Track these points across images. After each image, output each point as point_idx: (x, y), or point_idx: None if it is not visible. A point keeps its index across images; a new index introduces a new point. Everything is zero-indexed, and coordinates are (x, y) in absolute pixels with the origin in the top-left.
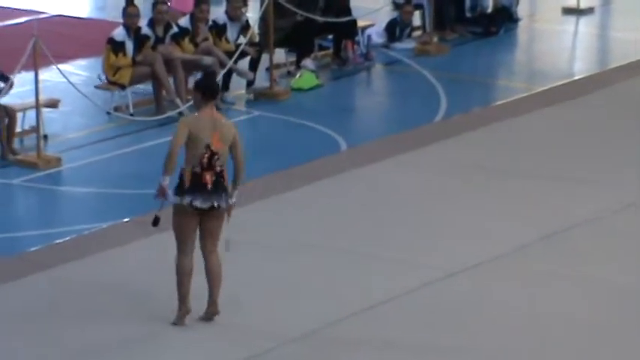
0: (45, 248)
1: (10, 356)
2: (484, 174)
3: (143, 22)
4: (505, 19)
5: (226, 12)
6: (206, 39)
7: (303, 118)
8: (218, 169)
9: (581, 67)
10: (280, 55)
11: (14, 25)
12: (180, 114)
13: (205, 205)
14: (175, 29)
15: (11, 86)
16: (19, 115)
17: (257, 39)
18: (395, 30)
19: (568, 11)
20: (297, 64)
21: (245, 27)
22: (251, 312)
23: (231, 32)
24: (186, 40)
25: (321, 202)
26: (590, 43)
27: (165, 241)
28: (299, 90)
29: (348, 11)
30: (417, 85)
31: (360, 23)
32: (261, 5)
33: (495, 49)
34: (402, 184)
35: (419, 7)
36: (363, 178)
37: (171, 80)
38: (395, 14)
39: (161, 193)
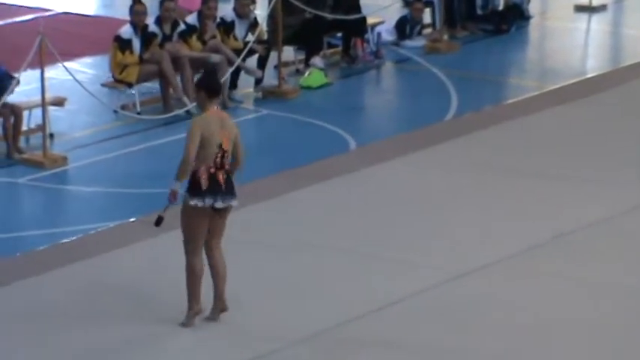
0: (50, 248)
1: (14, 356)
2: (495, 173)
3: (150, 20)
4: (516, 16)
5: (234, 9)
6: (214, 36)
7: (312, 116)
8: (227, 167)
9: (594, 65)
10: (289, 52)
11: (20, 23)
12: (188, 112)
13: (224, 205)
14: (183, 27)
15: (17, 84)
16: (25, 114)
17: (265, 36)
18: (405, 27)
19: (580, 8)
20: (306, 62)
21: (253, 24)
22: (256, 313)
23: (239, 30)
24: (194, 37)
25: (330, 201)
26: (602, 41)
27: (172, 240)
28: (308, 88)
29: (357, 8)
30: (428, 84)
31: (370, 20)
32: (270, 2)
33: (506, 47)
34: (411, 183)
35: (429, 4)
36: (372, 178)
37: (178, 78)
38: (405, 11)
39: (173, 198)
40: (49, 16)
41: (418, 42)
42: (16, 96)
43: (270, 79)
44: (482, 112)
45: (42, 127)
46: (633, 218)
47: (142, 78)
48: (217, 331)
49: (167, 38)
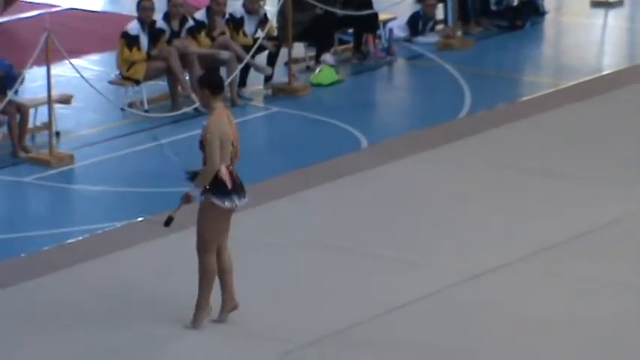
0: (57, 248)
1: (19, 357)
2: (509, 172)
3: (158, 16)
4: (531, 12)
5: (244, 5)
6: (223, 33)
7: (323, 114)
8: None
9: (610, 62)
10: (299, 49)
11: (26, 19)
12: (196, 110)
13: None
14: (191, 23)
15: (22, 82)
16: (31, 112)
17: (275, 33)
18: (417, 23)
19: (596, 4)
20: (317, 59)
21: (263, 20)
22: (266, 313)
23: (248, 26)
24: (203, 34)
25: (341, 200)
26: (619, 37)
27: (180, 241)
28: (318, 85)
29: (369, 4)
30: (441, 81)
31: (382, 16)
32: None
33: (521, 43)
34: (424, 182)
35: (442, 0)
36: (384, 176)
37: (186, 75)
38: (417, 7)
39: (187, 201)
40: (55, 12)
41: (431, 38)
42: (22, 93)
43: (280, 76)
44: (496, 109)
45: (48, 125)
46: None
47: (150, 75)
48: (224, 332)
49: (175, 34)
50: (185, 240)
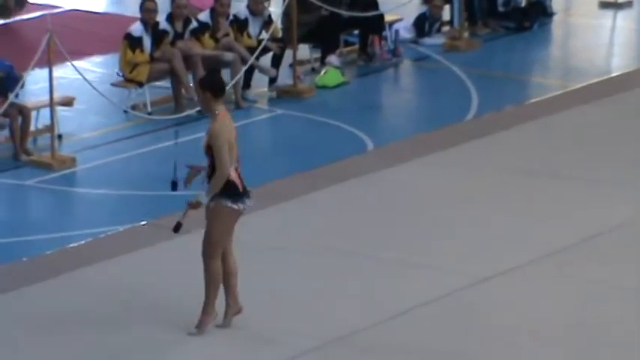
0: (59, 252)
1: None
2: (517, 175)
3: (161, 17)
4: (539, 13)
5: (248, 6)
6: (227, 34)
7: (328, 116)
8: None
9: (619, 64)
10: (304, 51)
11: (28, 20)
12: (200, 112)
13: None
14: (195, 24)
15: (22, 85)
16: (33, 114)
17: (280, 34)
18: (424, 25)
19: (605, 5)
20: (322, 61)
21: (267, 22)
22: (270, 318)
23: (253, 27)
24: (207, 35)
25: (347, 203)
26: (628, 39)
27: (184, 245)
28: (324, 87)
29: (375, 5)
30: (447, 82)
31: (388, 18)
32: None
33: (529, 45)
34: (430, 185)
35: (449, 0)
36: (390, 179)
37: (190, 77)
38: (424, 8)
39: (194, 208)
40: (57, 13)
41: (437, 39)
42: (23, 96)
43: (284, 78)
44: (503, 111)
45: (50, 128)
46: None
47: (153, 77)
48: (228, 337)
49: (179, 36)
50: (189, 244)
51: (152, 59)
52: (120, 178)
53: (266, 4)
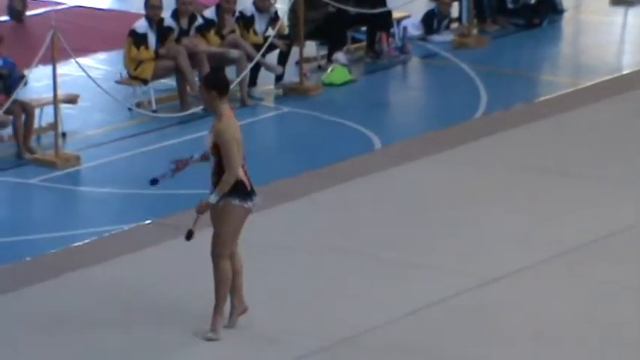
0: (63, 251)
1: None
2: (526, 174)
3: (166, 14)
4: (549, 10)
5: (254, 3)
6: (233, 31)
7: (335, 114)
8: None
9: (630, 61)
10: (311, 48)
11: (32, 17)
12: (205, 110)
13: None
14: (200, 21)
15: (25, 84)
16: (37, 112)
17: (286, 31)
18: (432, 21)
19: (616, 2)
20: (329, 58)
21: (274, 19)
22: (276, 318)
23: (259, 24)
24: (212, 32)
25: (353, 203)
26: (639, 36)
27: (189, 244)
28: (330, 85)
29: (382, 2)
30: (456, 80)
31: (396, 14)
32: None
33: (539, 42)
34: (438, 184)
35: None
36: (398, 178)
37: (196, 75)
38: (432, 5)
39: (203, 212)
40: (61, 9)
41: (446, 36)
42: (27, 93)
43: (291, 75)
44: (512, 109)
45: (54, 126)
46: None
47: (158, 74)
48: (233, 337)
49: (184, 33)
50: (194, 243)
51: (157, 56)
52: (124, 176)
53: (272, 1)
